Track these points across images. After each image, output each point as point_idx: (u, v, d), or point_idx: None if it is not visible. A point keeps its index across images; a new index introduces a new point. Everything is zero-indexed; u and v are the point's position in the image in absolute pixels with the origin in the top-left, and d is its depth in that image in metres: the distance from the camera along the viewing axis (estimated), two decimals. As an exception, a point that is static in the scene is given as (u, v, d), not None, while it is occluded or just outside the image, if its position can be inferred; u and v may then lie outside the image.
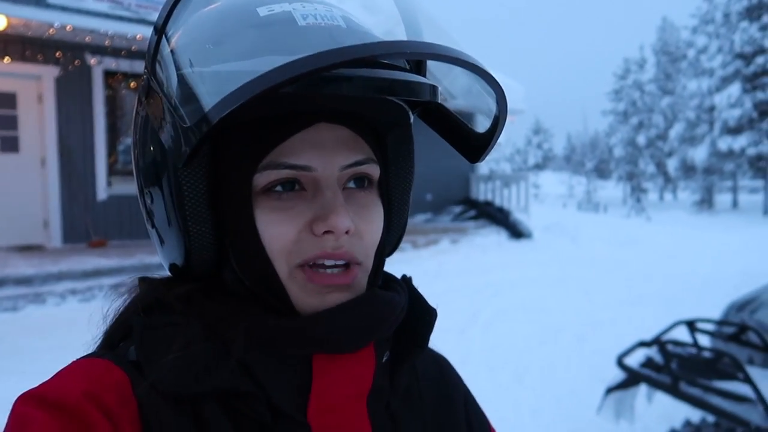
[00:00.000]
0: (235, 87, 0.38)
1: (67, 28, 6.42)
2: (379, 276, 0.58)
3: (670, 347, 2.59)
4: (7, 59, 6.76)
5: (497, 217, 11.06)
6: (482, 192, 12.16)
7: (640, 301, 6.42)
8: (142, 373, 0.48)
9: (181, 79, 0.45)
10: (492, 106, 0.54)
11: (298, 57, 0.38)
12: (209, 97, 0.40)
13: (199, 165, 0.49)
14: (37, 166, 7.22)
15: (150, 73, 0.49)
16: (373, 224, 0.53)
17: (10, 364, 3.77)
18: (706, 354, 2.60)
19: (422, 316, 0.58)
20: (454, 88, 0.57)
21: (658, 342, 2.56)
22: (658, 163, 36.85)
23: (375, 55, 0.39)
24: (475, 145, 0.58)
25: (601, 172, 55.71)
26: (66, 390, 0.45)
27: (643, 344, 2.69)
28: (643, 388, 2.77)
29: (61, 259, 6.33)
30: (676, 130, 31.89)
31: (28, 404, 0.43)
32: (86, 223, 7.31)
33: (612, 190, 49.92)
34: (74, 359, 0.50)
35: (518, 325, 5.30)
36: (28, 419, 0.42)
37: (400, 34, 0.53)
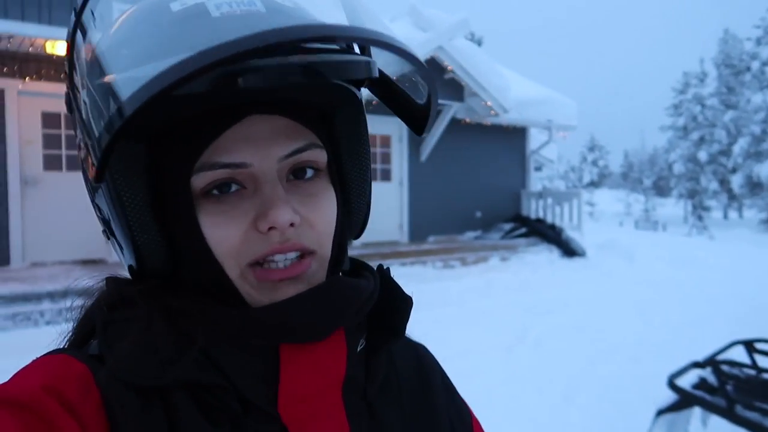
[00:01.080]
0: (127, 96, 0.37)
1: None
2: (340, 263, 0.57)
3: (725, 368, 2.45)
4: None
5: (549, 234, 10.82)
6: (533, 209, 11.94)
7: (700, 323, 6.13)
8: (104, 365, 0.47)
9: (91, 88, 0.43)
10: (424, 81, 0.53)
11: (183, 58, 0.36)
12: (105, 110, 0.40)
13: (135, 173, 0.48)
14: (100, 183, 7.57)
15: (69, 87, 0.50)
16: (323, 212, 0.52)
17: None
18: (766, 376, 2.45)
19: (398, 305, 0.57)
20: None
21: (712, 363, 2.44)
22: (722, 179, 35.28)
23: (252, 49, 0.36)
24: (419, 117, 0.56)
25: (660, 189, 53.82)
26: (24, 386, 0.44)
27: (696, 365, 2.57)
28: (697, 411, 2.64)
29: (120, 271, 6.54)
30: (741, 145, 30.51)
31: None
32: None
33: (672, 208, 48.04)
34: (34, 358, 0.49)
35: (569, 345, 5.15)
36: None
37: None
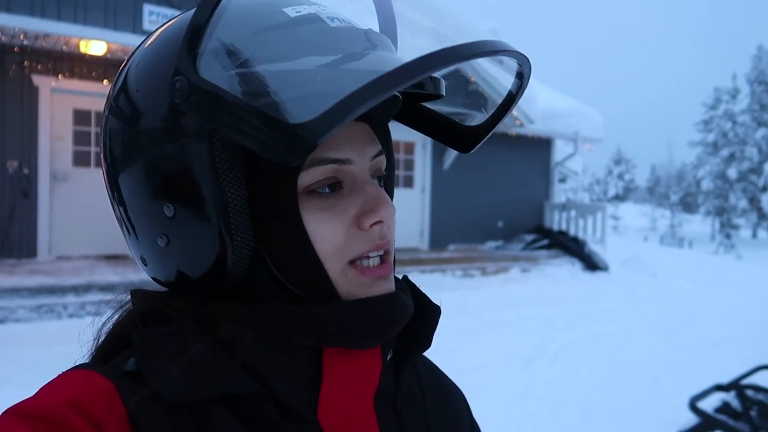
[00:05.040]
0: (360, 84, 0.39)
1: (160, 53, 6.87)
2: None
3: (750, 393, 2.39)
4: (105, 82, 7.31)
5: (571, 247, 10.70)
6: (556, 221, 11.82)
7: (725, 343, 5.98)
8: (137, 382, 0.47)
9: (270, 77, 0.44)
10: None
11: (413, 59, 0.40)
12: (332, 94, 0.40)
13: (238, 170, 0.48)
14: (126, 181, 7.70)
15: (191, 71, 0.46)
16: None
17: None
18: (792, 403, 2.38)
19: (426, 314, 0.58)
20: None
21: (736, 386, 2.38)
22: (752, 198, 34.54)
23: (467, 56, 0.42)
24: (465, 137, 0.60)
25: (688, 205, 52.91)
26: (48, 401, 0.44)
27: (719, 388, 2.50)
28: (719, 436, 2.57)
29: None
30: (773, 163, 29.86)
31: (10, 420, 0.43)
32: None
33: (699, 225, 47.21)
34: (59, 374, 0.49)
35: (587, 361, 5.07)
36: None
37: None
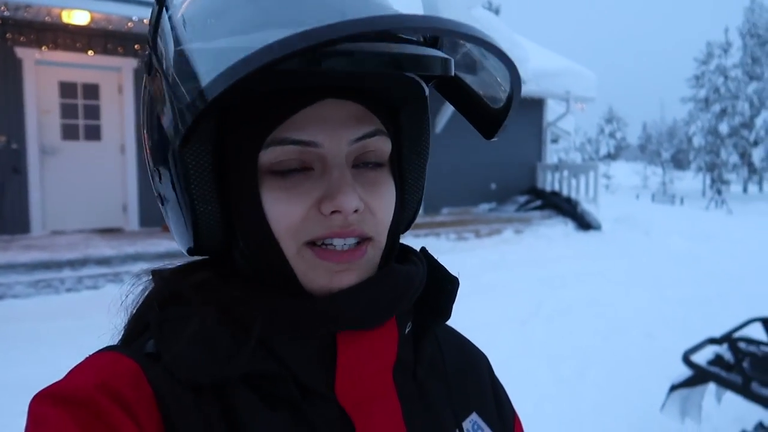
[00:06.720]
0: (231, 64, 0.36)
1: (144, 21, 6.72)
2: (393, 253, 0.57)
3: (742, 345, 2.45)
4: (90, 52, 7.17)
5: (564, 207, 10.75)
6: (549, 182, 11.84)
7: (717, 299, 6.09)
8: (158, 363, 0.47)
9: (179, 56, 0.43)
10: (506, 85, 0.52)
11: (299, 31, 0.36)
12: (205, 74, 0.38)
13: (203, 143, 0.49)
14: (117, 153, 7.63)
15: (151, 48, 0.48)
16: (383, 201, 0.52)
17: (91, 339, 4.02)
18: (784, 354, 2.44)
19: (443, 285, 0.58)
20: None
21: (728, 339, 2.43)
22: (743, 153, 34.65)
23: (364, 31, 0.37)
24: (490, 121, 0.56)
25: (679, 162, 53.08)
26: (77, 384, 0.45)
27: (712, 341, 2.56)
28: (711, 388, 2.64)
29: (137, 241, 6.69)
30: (764, 117, 29.87)
31: (42, 403, 0.44)
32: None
33: (690, 181, 47.41)
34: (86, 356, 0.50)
35: (583, 319, 5.16)
36: (42, 417, 0.43)
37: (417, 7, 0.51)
